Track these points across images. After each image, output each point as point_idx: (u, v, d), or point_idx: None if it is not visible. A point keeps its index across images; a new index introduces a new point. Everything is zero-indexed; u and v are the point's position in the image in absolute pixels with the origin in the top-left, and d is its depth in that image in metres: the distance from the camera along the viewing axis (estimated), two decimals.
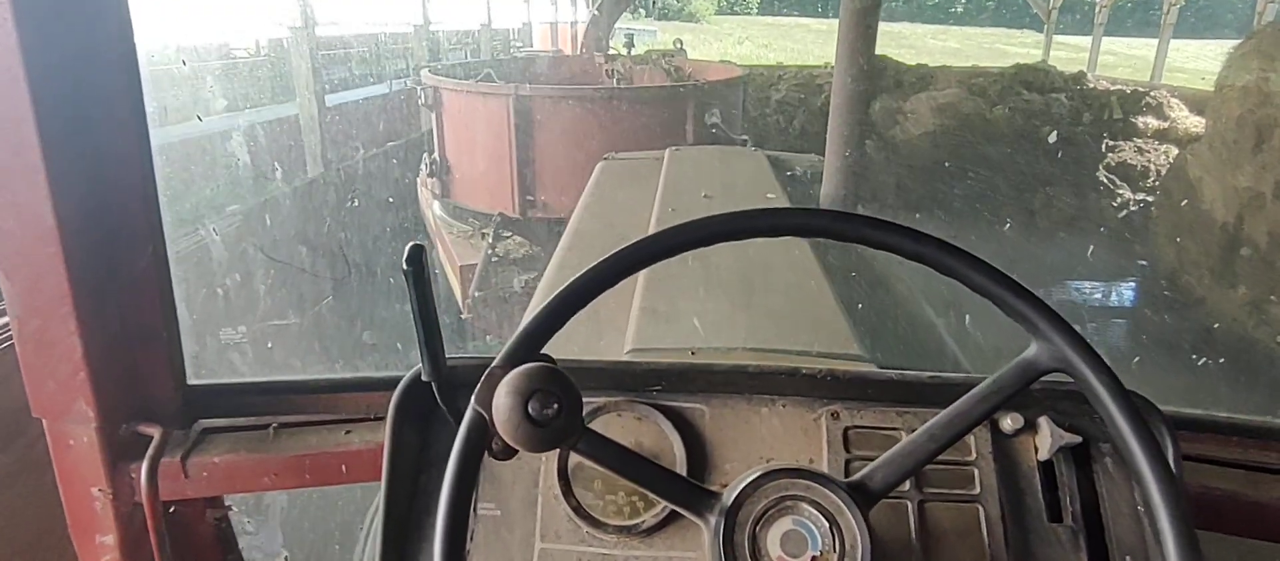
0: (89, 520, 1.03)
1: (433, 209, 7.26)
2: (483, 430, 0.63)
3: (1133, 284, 8.64)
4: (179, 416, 1.07)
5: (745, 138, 7.16)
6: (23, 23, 0.82)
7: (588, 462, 0.86)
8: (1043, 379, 0.70)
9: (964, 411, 0.68)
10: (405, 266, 0.75)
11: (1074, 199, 10.18)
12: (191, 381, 1.09)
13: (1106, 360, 0.65)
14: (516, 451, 0.63)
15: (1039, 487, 0.86)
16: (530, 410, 0.57)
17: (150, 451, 0.99)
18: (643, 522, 0.84)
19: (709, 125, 6.36)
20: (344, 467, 1.06)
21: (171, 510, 1.07)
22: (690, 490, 0.68)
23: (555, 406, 0.58)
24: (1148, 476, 0.63)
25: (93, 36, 0.91)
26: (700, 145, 5.73)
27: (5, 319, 2.13)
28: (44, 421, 0.99)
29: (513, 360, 0.65)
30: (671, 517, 0.84)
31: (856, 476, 0.68)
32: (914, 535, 0.82)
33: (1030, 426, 0.88)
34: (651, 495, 0.76)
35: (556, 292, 0.69)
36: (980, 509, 0.83)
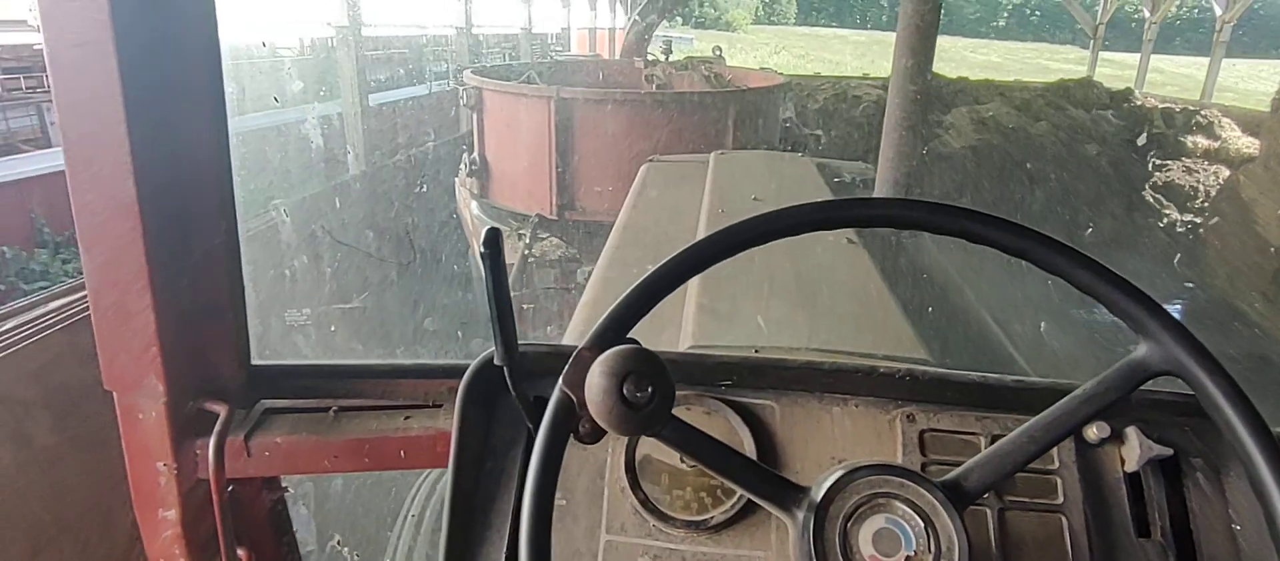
0: (153, 494, 1.04)
1: (470, 208, 7.32)
2: (570, 412, 0.61)
3: (1179, 307, 8.41)
4: (243, 395, 1.07)
5: (819, 133, 7.08)
6: (116, 7, 0.83)
7: (656, 457, 0.85)
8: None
9: (1067, 412, 0.65)
10: (482, 249, 0.74)
11: (1119, 218, 9.95)
12: (255, 361, 1.10)
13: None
14: (603, 434, 0.61)
15: (1126, 501, 0.82)
16: (625, 392, 0.56)
17: (217, 428, 1.00)
18: (711, 518, 0.82)
19: (782, 120, 6.30)
20: (402, 453, 1.06)
21: (230, 488, 1.08)
22: (777, 483, 0.66)
23: (649, 389, 0.57)
24: (1272, 490, 0.59)
25: (178, 21, 0.92)
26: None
27: (59, 302, 2.18)
28: (114, 394, 1.00)
29: (601, 343, 0.63)
30: (741, 514, 0.82)
31: (950, 476, 0.65)
32: (995, 544, 0.79)
33: (1116, 437, 0.84)
34: (728, 487, 0.74)
35: (646, 275, 0.67)
36: (1064, 520, 0.80)
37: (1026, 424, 0.66)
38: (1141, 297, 0.64)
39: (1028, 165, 10.25)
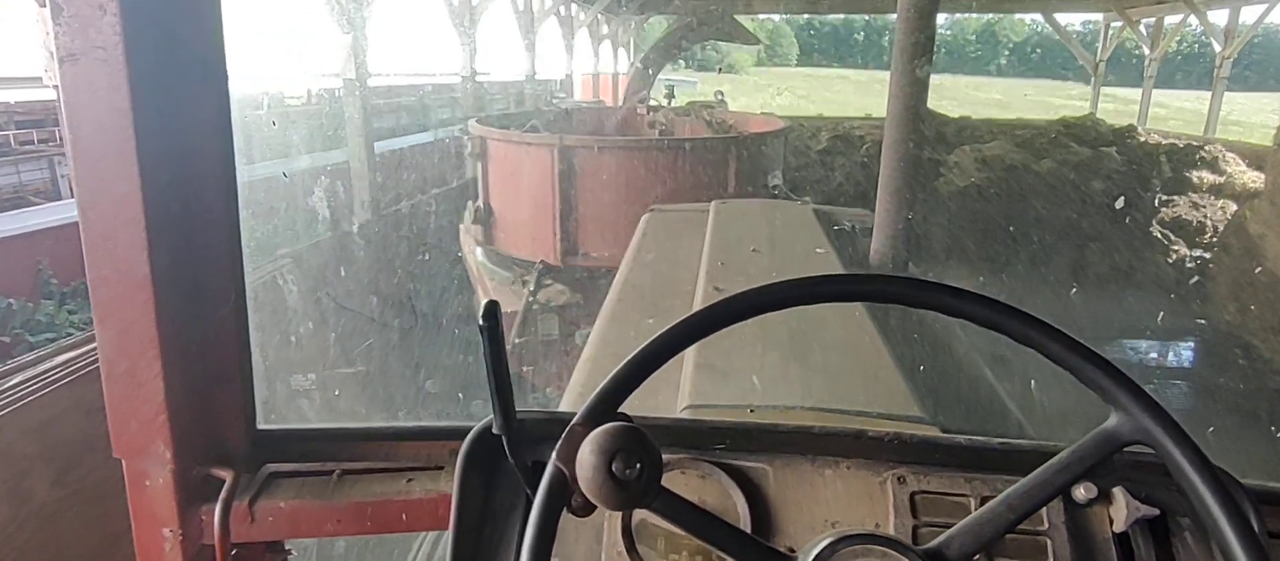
0: (158, 559, 1.05)
1: (475, 255, 7.39)
2: (563, 486, 0.64)
3: (1191, 343, 8.34)
4: (248, 460, 1.09)
5: (808, 199, 7.21)
6: (136, 93, 0.88)
7: (652, 522, 0.86)
8: None
9: (1043, 481, 0.67)
10: (481, 322, 0.77)
11: (1126, 255, 9.94)
12: (261, 426, 1.12)
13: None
14: (594, 507, 0.63)
15: None
16: (614, 469, 0.58)
17: (223, 494, 1.02)
18: None
19: (771, 188, 6.39)
20: (404, 516, 1.07)
21: (234, 552, 1.09)
22: (765, 554, 0.68)
23: (638, 466, 0.59)
24: (1239, 558, 0.60)
25: (193, 105, 0.97)
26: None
27: (65, 356, 2.21)
28: (123, 461, 1.03)
29: (593, 418, 0.66)
30: None
31: (933, 544, 0.67)
32: None
33: (1104, 496, 0.85)
34: (722, 556, 0.75)
35: (636, 351, 0.70)
36: None
37: (1005, 492, 0.68)
38: (1110, 369, 0.66)
39: (1032, 202, 10.28)
